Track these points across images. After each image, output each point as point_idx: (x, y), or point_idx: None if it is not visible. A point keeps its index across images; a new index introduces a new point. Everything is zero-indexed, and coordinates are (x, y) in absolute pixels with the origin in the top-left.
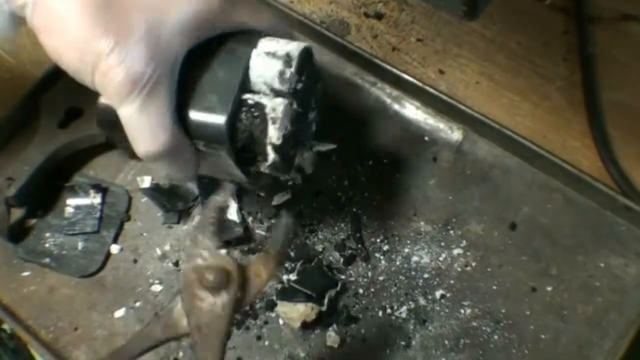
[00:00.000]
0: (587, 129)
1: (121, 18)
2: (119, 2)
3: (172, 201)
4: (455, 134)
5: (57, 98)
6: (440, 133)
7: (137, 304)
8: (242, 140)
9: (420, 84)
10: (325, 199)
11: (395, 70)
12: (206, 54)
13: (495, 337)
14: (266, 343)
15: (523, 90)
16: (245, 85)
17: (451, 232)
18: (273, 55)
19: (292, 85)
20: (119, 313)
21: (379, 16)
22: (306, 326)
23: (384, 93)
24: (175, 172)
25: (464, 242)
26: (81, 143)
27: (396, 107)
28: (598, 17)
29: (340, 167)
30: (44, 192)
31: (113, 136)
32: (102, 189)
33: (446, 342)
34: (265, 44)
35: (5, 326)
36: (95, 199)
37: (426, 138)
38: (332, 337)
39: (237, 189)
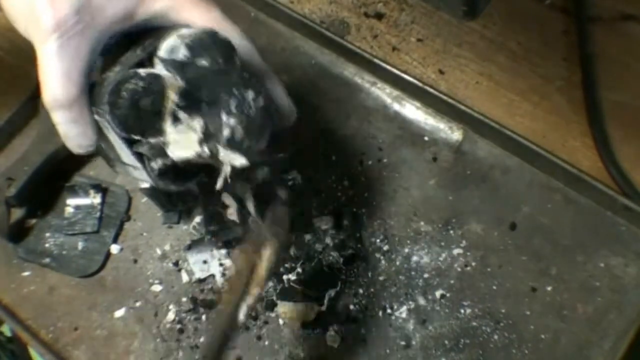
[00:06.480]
0: (587, 129)
1: None
2: None
3: (172, 201)
4: (455, 134)
5: None
6: (440, 133)
7: (137, 304)
8: (124, 107)
9: (420, 84)
10: (325, 199)
11: (395, 70)
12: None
13: (495, 337)
14: (266, 343)
15: (523, 90)
16: (150, 62)
17: (451, 232)
18: (182, 37)
19: (181, 58)
20: (119, 313)
21: (379, 16)
22: (306, 326)
23: (384, 93)
24: (75, 136)
25: (464, 242)
26: None
27: (396, 107)
28: (598, 17)
29: (340, 167)
30: (44, 192)
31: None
32: (102, 189)
33: (446, 342)
34: (188, 30)
35: (4, 328)
36: (95, 199)
37: (426, 138)
38: (332, 337)
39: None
